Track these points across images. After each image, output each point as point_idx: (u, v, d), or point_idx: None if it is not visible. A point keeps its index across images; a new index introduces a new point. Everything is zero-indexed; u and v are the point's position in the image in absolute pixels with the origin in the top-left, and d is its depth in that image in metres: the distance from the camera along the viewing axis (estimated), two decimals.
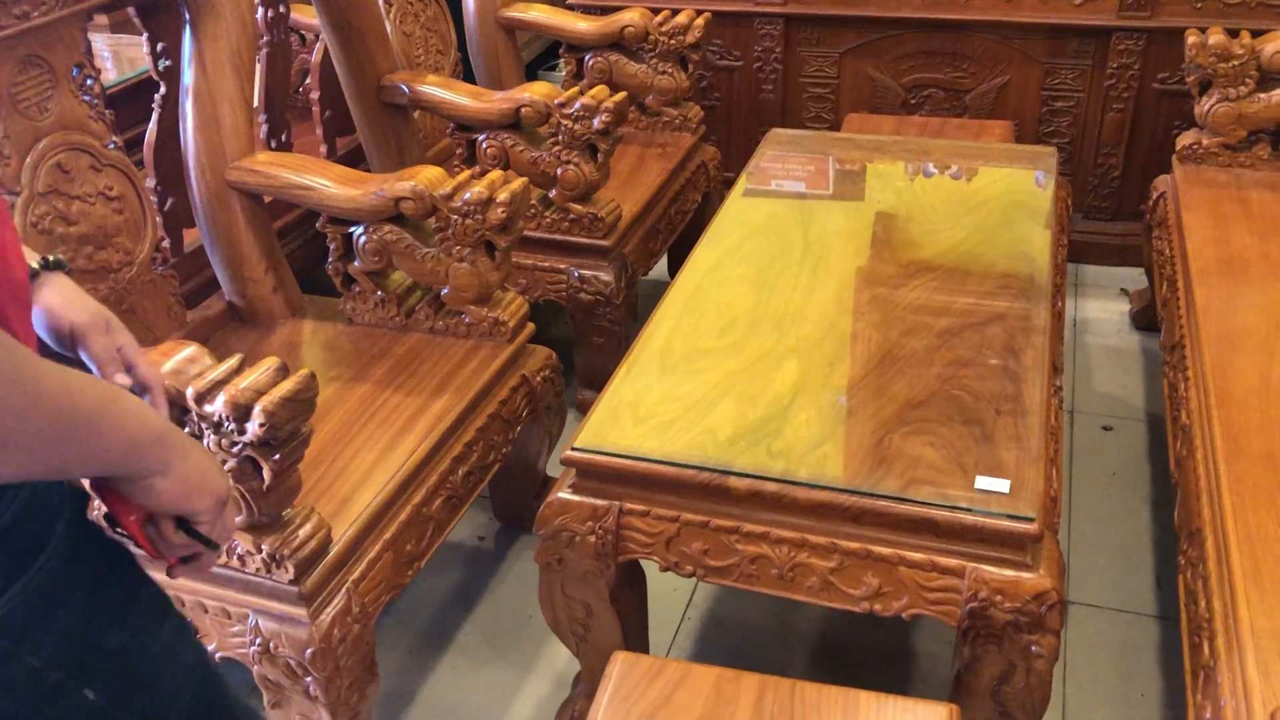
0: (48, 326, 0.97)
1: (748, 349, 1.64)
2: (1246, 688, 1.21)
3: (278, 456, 1.27)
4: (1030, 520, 1.30)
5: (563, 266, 2.25)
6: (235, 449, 1.27)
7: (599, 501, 1.46)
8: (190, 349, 1.32)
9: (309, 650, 1.38)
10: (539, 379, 1.90)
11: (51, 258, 1.00)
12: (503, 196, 1.75)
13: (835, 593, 1.39)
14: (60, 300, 0.97)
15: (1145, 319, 2.61)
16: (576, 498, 1.47)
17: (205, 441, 1.28)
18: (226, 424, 1.25)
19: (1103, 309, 2.69)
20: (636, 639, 1.63)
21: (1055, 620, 1.31)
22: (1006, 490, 1.34)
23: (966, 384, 1.53)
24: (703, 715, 1.17)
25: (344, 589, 1.43)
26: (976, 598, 1.32)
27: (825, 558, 1.38)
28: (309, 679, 1.40)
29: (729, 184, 2.21)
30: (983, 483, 1.35)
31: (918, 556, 1.35)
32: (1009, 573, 1.31)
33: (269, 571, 1.37)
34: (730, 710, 1.17)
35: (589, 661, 1.62)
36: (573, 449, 1.45)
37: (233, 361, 1.29)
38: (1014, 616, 1.31)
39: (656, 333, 1.70)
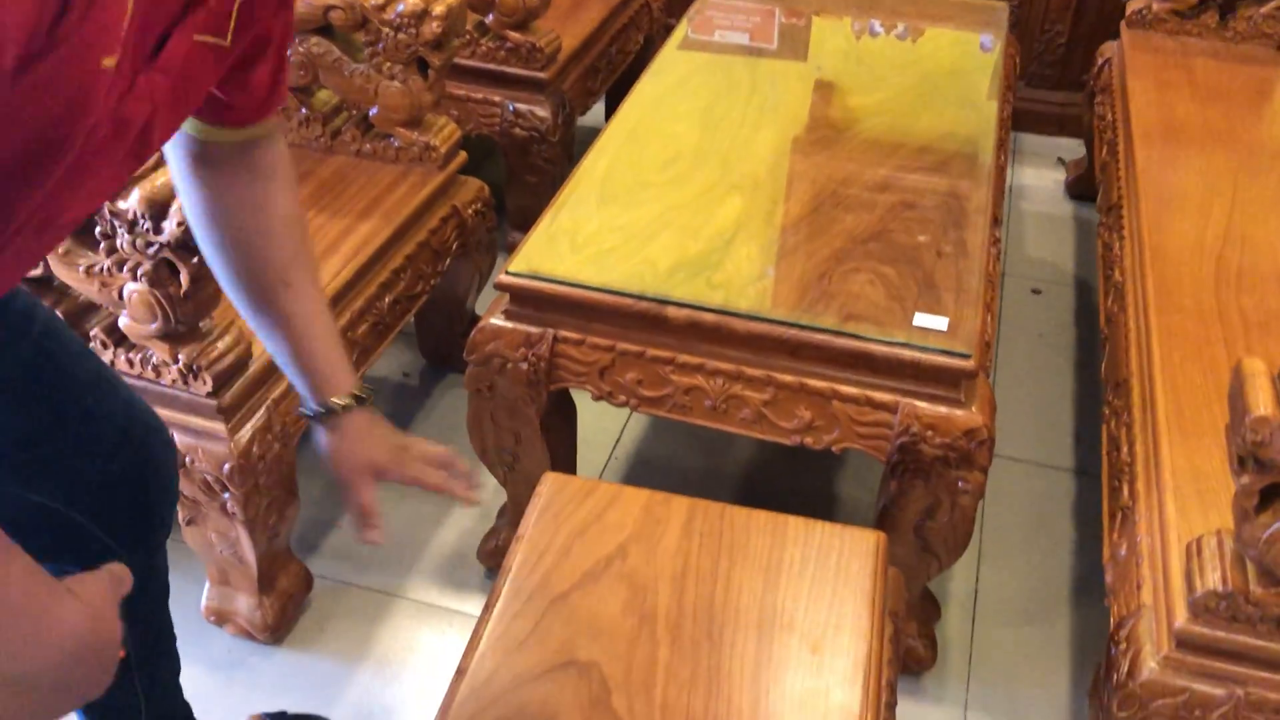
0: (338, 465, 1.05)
1: (691, 183, 1.60)
2: (1164, 524, 1.24)
3: (196, 260, 1.20)
4: (966, 357, 1.30)
5: (497, 99, 2.16)
6: (151, 250, 1.20)
7: (532, 329, 1.42)
8: None
9: (226, 465, 1.34)
10: (470, 211, 1.83)
11: (362, 393, 1.04)
12: (439, 10, 1.65)
13: (767, 425, 1.39)
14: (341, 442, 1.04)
15: (1080, 188, 2.62)
16: (509, 324, 1.43)
17: (119, 241, 1.20)
18: (141, 222, 1.18)
19: (1038, 177, 2.69)
20: (565, 470, 1.61)
21: (984, 456, 1.32)
22: (944, 328, 1.33)
23: (909, 226, 1.51)
24: (633, 534, 1.16)
25: (264, 406, 1.39)
26: (908, 432, 1.32)
27: (760, 390, 1.37)
28: (226, 495, 1.36)
29: (671, 30, 2.13)
30: (921, 320, 1.34)
31: (852, 391, 1.34)
32: (941, 409, 1.32)
33: (186, 383, 1.32)
34: (660, 530, 1.16)
35: (515, 491, 1.60)
36: (507, 273, 1.41)
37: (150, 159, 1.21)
38: (943, 452, 1.32)
39: (597, 163, 1.65)
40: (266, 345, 1.03)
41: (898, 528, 1.41)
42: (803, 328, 1.33)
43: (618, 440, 1.93)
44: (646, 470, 1.88)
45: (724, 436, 1.91)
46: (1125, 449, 1.44)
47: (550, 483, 1.23)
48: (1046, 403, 2.04)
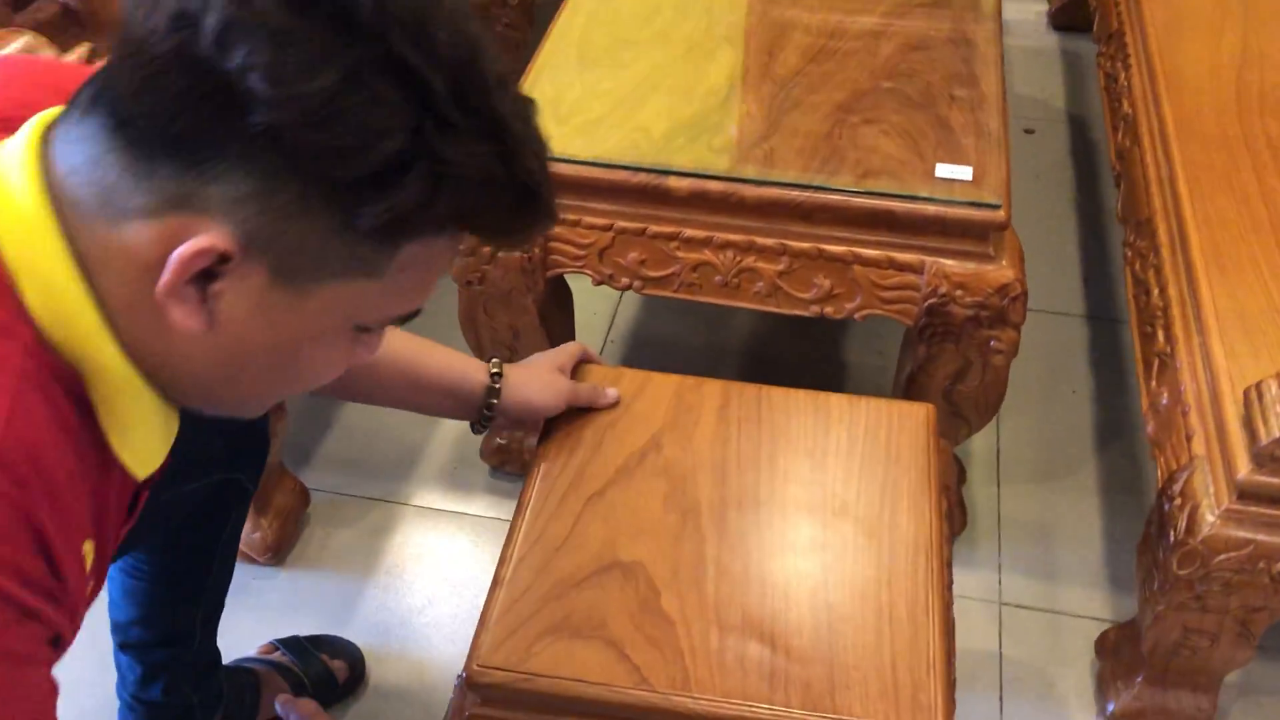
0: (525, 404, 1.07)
1: (676, 38, 1.47)
2: (1212, 370, 1.18)
3: None
4: (996, 207, 1.21)
5: None
6: None
7: None
8: (25, 37, 1.09)
9: None
10: None
11: (498, 364, 1.06)
12: None
13: (783, 297, 1.30)
14: (534, 396, 1.07)
15: (1065, 19, 2.50)
16: None
17: None
18: None
19: (1019, 10, 2.57)
20: None
21: (1018, 313, 1.25)
22: (969, 178, 1.24)
23: (916, 70, 1.40)
24: (666, 423, 1.08)
25: None
26: (936, 293, 1.24)
27: (773, 261, 1.28)
28: None
29: None
30: (943, 170, 1.25)
31: (873, 254, 1.25)
32: (971, 265, 1.24)
33: None
34: (694, 417, 1.08)
35: None
36: None
37: (81, 50, 1.07)
38: (974, 311, 1.25)
39: (571, 24, 1.51)
40: (388, 403, 1.05)
41: (925, 394, 1.35)
42: (817, 189, 1.24)
43: (611, 323, 1.84)
44: (646, 352, 1.79)
45: (720, 311, 1.82)
46: (1156, 292, 1.37)
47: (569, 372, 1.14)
48: (1051, 248, 1.97)
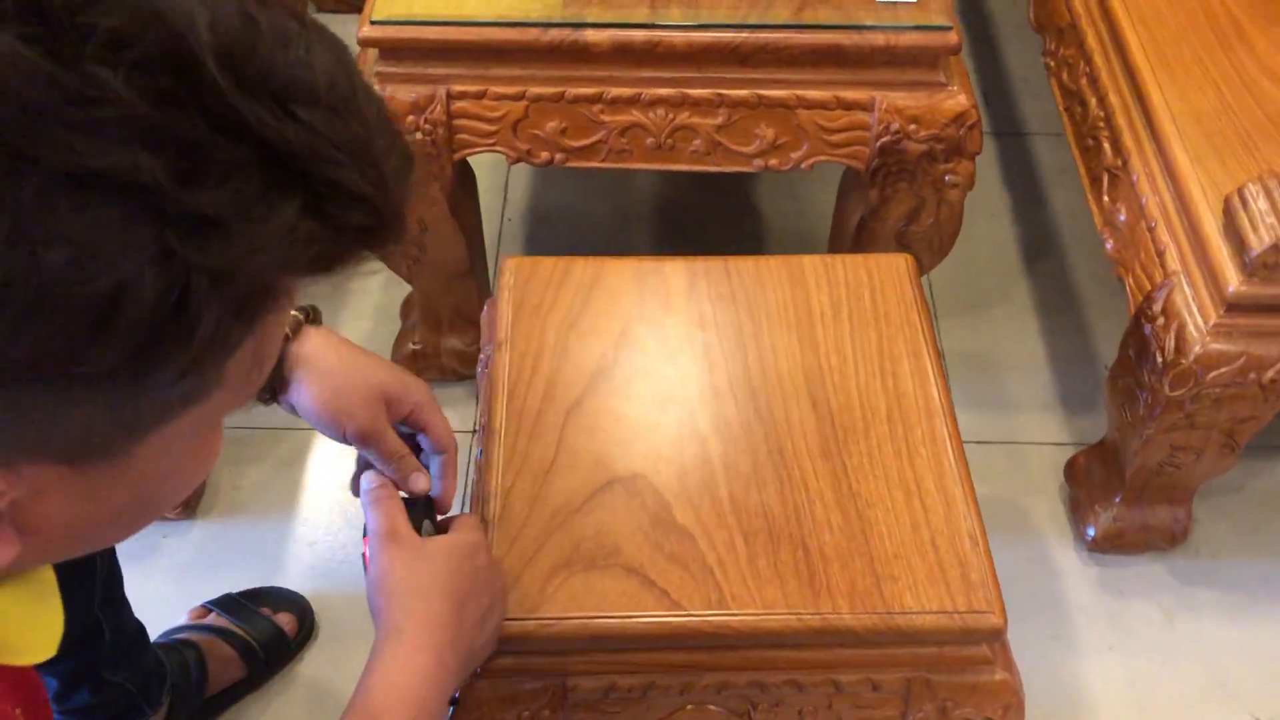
0: (319, 420, 0.76)
1: None
2: (1176, 178, 1.13)
3: None
4: (947, 29, 1.11)
5: None
6: None
7: (418, 89, 1.15)
8: None
9: None
10: None
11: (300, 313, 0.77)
12: None
13: (724, 154, 1.18)
14: (326, 393, 0.74)
15: None
16: (387, 89, 1.15)
17: None
18: None
19: None
20: (475, 251, 1.38)
21: (975, 142, 1.17)
22: None
23: None
24: (633, 314, 0.97)
25: None
26: (889, 131, 1.15)
27: (710, 114, 1.15)
28: None
29: None
30: None
31: (819, 95, 1.14)
32: (923, 97, 1.14)
33: None
34: (661, 302, 0.97)
35: (424, 285, 1.37)
36: (372, 22, 1.11)
37: None
38: (929, 146, 1.16)
39: None
40: None
41: (877, 240, 1.27)
42: (753, 28, 1.11)
43: (504, 201, 1.69)
44: (549, 229, 1.66)
45: (620, 174, 1.69)
46: (1094, 102, 1.31)
47: (513, 271, 1.01)
48: None
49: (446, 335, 1.42)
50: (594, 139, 1.17)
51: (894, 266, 1.02)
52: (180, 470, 0.48)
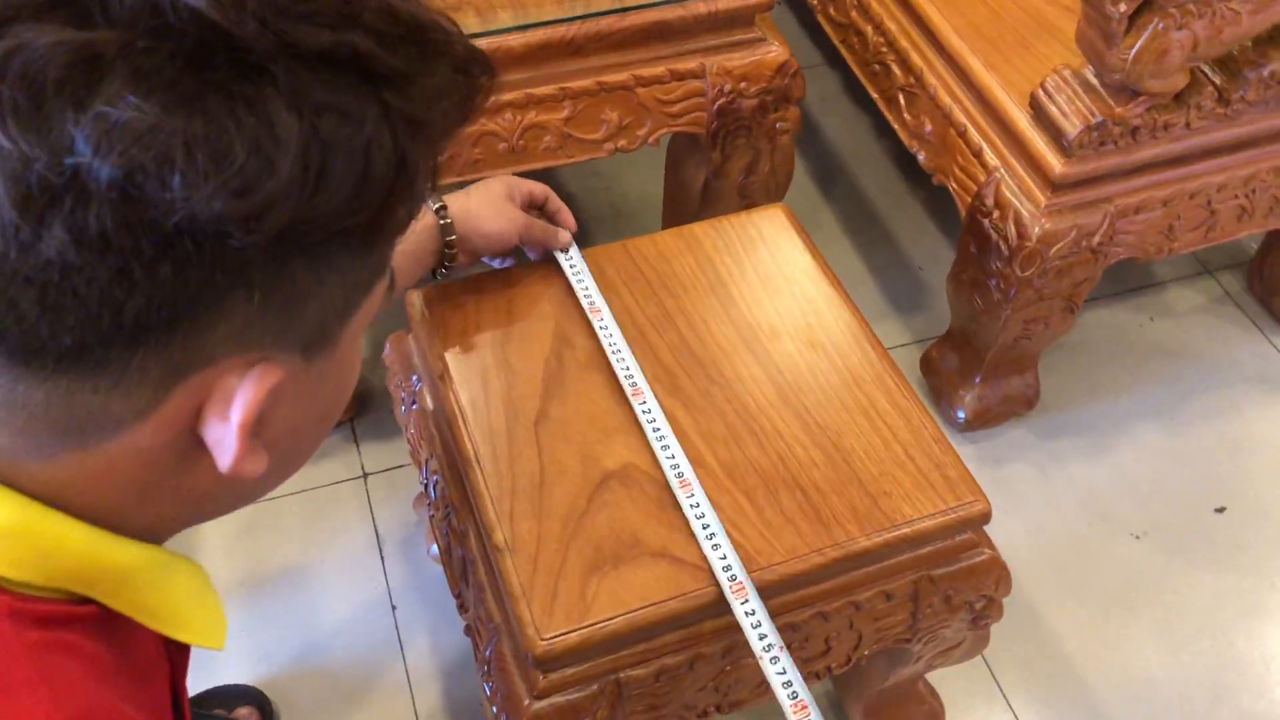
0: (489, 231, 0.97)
1: None
2: (976, 85, 1.25)
3: None
4: None
5: None
6: None
7: None
8: None
9: None
10: None
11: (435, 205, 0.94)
12: None
13: (575, 145, 1.21)
14: (490, 225, 0.97)
15: None
16: None
17: None
18: None
19: None
20: None
21: (799, 87, 1.25)
22: None
23: None
24: (557, 316, 0.98)
25: None
26: (723, 93, 1.21)
27: (556, 109, 1.17)
28: None
29: None
30: None
31: (654, 71, 1.19)
32: (748, 54, 1.21)
33: None
34: (579, 297, 0.99)
35: None
36: None
37: None
38: (760, 99, 1.23)
39: None
40: None
41: (721, 197, 1.33)
42: (582, 18, 1.14)
43: None
44: None
45: None
46: (870, 30, 1.42)
47: (422, 302, 0.99)
48: None
49: None
50: (448, 154, 1.16)
51: (774, 218, 1.09)
52: (351, 367, 0.54)
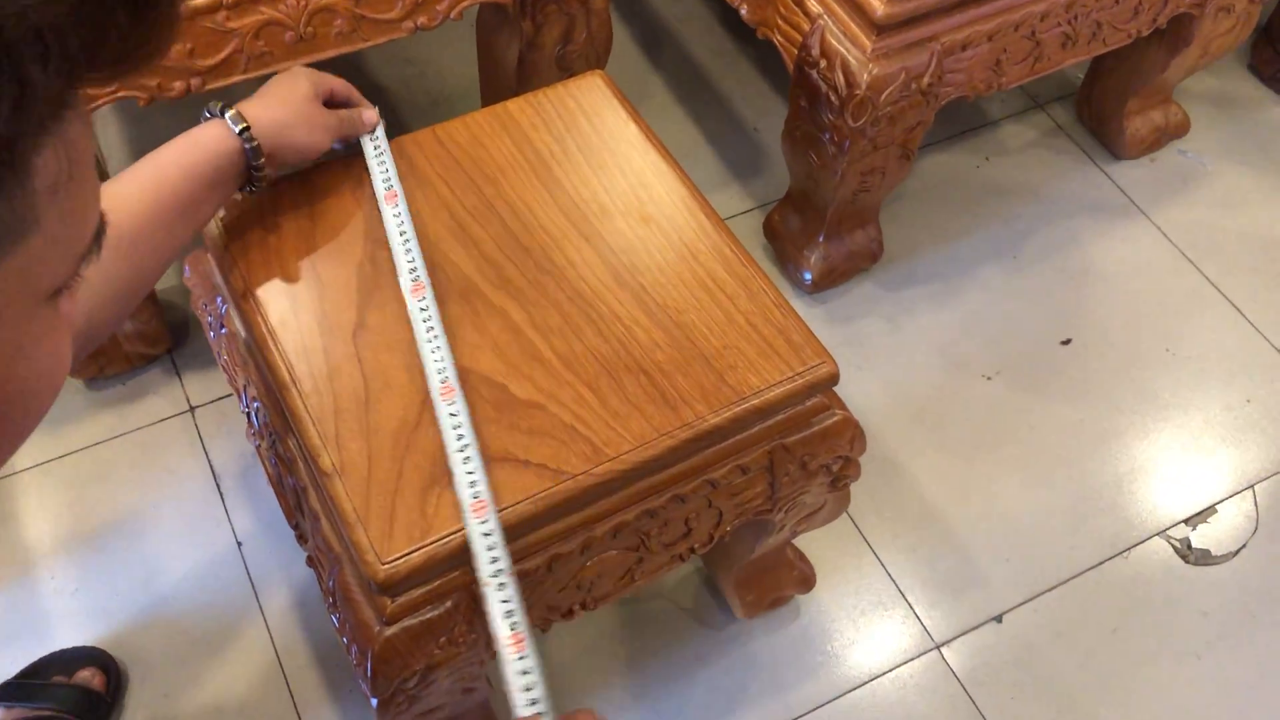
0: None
1: None
2: None
3: None
4: None
5: None
6: None
7: None
8: None
9: None
10: None
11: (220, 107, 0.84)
12: None
13: (370, 26, 1.10)
14: (304, 137, 0.88)
15: None
16: None
17: None
18: None
19: None
20: None
21: None
22: None
23: None
24: (362, 210, 0.90)
25: None
26: None
27: None
28: None
29: None
30: None
31: None
32: None
33: None
34: (360, 189, 0.91)
35: None
36: None
37: None
38: None
39: None
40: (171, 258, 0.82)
41: (539, 70, 1.25)
42: None
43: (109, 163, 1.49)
44: None
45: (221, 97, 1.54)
46: None
47: (214, 219, 0.90)
48: None
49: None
50: (228, 51, 1.05)
51: (594, 86, 1.02)
52: (25, 355, 0.41)
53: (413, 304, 0.85)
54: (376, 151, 0.93)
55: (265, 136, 0.84)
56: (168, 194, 0.79)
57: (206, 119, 0.84)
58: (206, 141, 0.82)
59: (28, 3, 0.32)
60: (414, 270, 0.86)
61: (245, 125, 0.83)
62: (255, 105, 0.86)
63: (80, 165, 0.39)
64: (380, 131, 0.94)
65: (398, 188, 0.91)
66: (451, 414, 0.79)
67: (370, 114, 0.94)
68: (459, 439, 0.78)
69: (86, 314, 0.73)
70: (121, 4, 0.35)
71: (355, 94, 0.95)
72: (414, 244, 0.88)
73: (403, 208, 0.90)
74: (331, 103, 0.93)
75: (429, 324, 0.83)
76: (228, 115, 0.83)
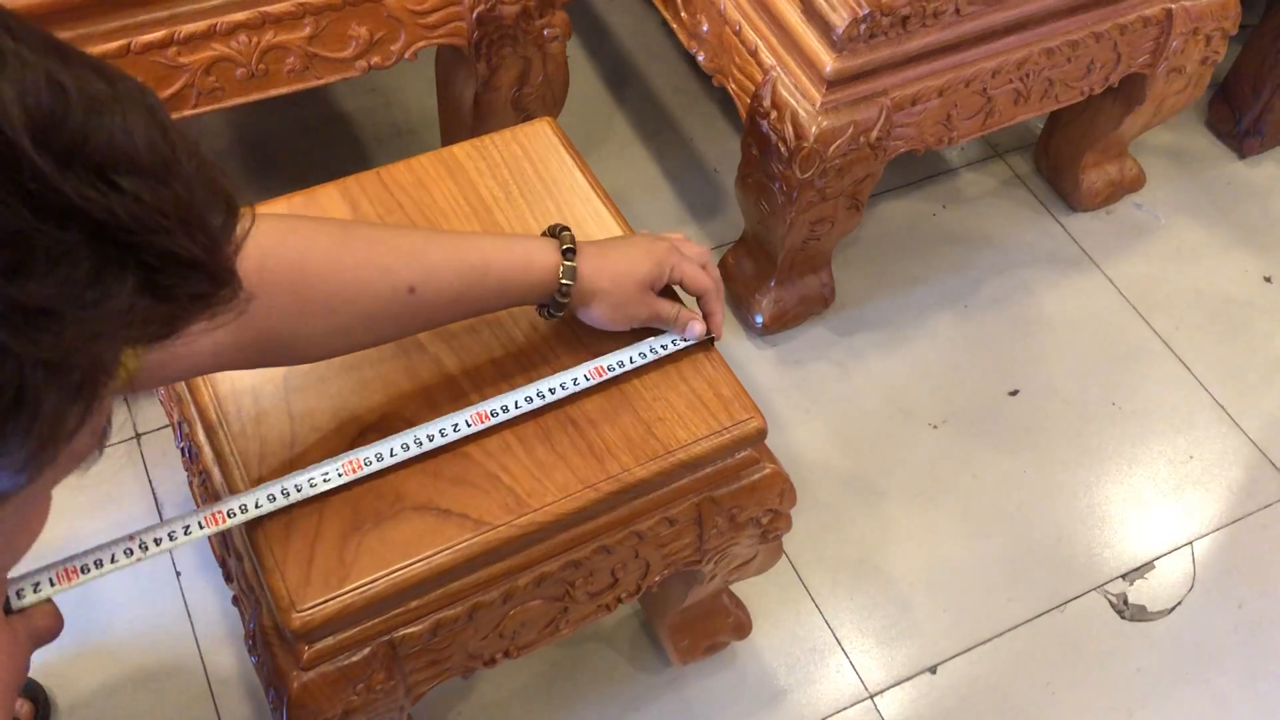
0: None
1: None
2: None
3: None
4: None
5: None
6: None
7: None
8: None
9: None
10: None
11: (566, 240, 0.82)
12: None
13: (323, 64, 1.11)
14: (609, 310, 0.84)
15: None
16: None
17: None
18: None
19: None
20: None
21: None
22: None
23: None
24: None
25: None
26: (482, 0, 1.13)
27: (296, 27, 1.08)
28: None
29: None
30: None
31: None
32: None
33: None
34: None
35: None
36: None
37: None
38: (522, 4, 1.15)
39: None
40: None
41: (495, 110, 1.26)
42: None
43: None
44: None
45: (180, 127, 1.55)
46: None
47: None
48: None
49: None
50: (178, 86, 1.06)
51: (541, 133, 1.02)
52: (8, 545, 0.47)
53: None
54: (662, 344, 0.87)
55: (579, 301, 0.82)
56: (474, 295, 0.79)
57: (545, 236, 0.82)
58: (532, 263, 0.79)
59: (98, 346, 0.36)
60: None
61: (573, 277, 0.80)
62: (596, 261, 0.82)
63: (99, 422, 0.42)
64: (683, 343, 0.88)
65: None
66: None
67: (698, 326, 0.87)
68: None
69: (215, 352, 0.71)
70: (186, 317, 0.39)
71: (712, 300, 0.88)
72: None
73: None
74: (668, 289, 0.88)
75: None
76: (563, 263, 0.80)
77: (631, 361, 0.86)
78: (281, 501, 0.77)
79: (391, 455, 0.80)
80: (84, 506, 1.23)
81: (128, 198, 0.34)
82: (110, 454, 1.27)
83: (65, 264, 0.33)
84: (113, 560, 0.75)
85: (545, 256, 0.80)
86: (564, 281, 0.81)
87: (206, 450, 0.87)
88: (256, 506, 0.77)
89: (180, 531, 0.75)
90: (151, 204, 0.35)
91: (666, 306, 0.86)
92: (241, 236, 0.42)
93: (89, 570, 0.74)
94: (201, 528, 0.75)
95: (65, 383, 0.35)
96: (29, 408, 0.34)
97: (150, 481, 1.26)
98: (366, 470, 0.80)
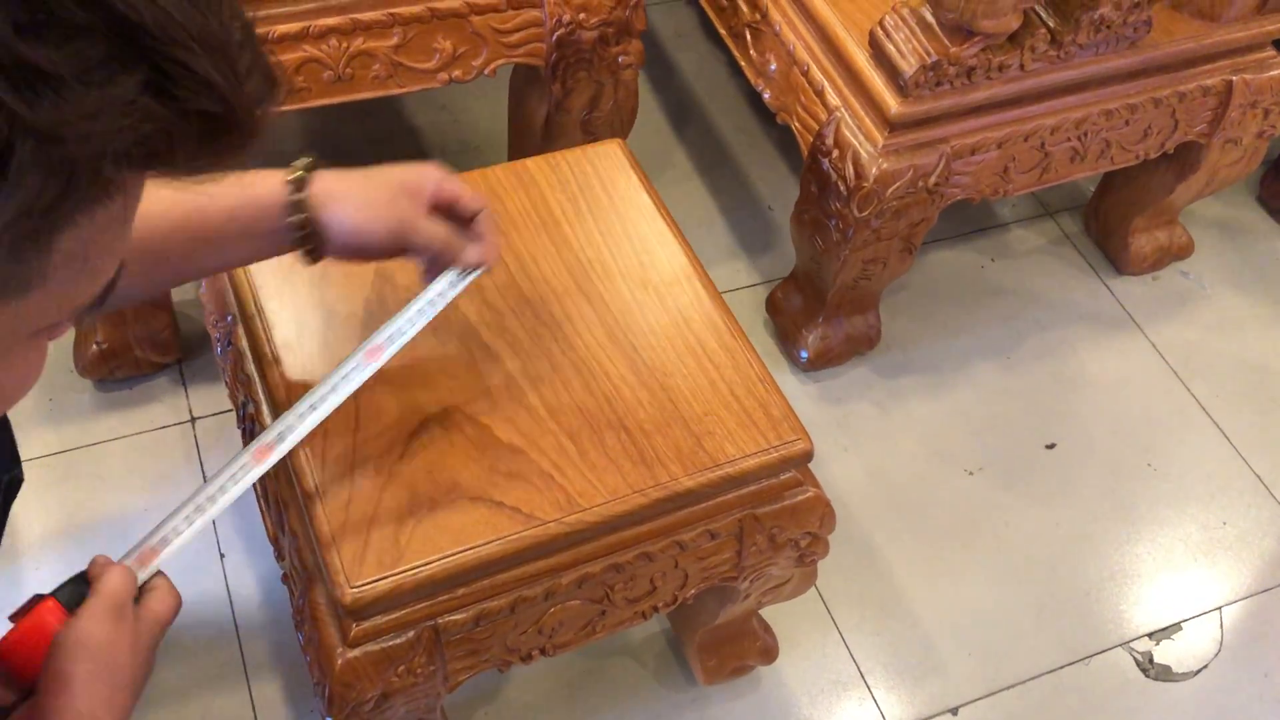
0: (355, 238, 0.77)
1: None
2: (818, 22, 1.24)
3: None
4: None
5: None
6: None
7: None
8: None
9: None
10: None
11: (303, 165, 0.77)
12: None
13: (406, 74, 1.16)
14: (350, 210, 0.76)
15: None
16: None
17: None
18: None
19: None
20: None
21: (640, 19, 1.22)
22: None
23: None
24: (378, 268, 0.95)
25: None
26: (562, 23, 1.17)
27: (385, 36, 1.12)
28: None
29: None
30: None
31: None
32: None
33: None
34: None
35: None
36: None
37: None
38: (600, 31, 1.20)
39: None
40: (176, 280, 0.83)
41: (564, 132, 1.30)
42: None
43: None
44: None
45: None
46: None
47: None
48: None
49: (133, 325, 1.30)
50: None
51: (611, 154, 1.06)
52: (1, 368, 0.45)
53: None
54: (440, 291, 0.80)
55: (317, 198, 0.75)
56: (196, 223, 0.74)
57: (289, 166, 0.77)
58: (257, 189, 0.75)
59: (94, 129, 0.36)
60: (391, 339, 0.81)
61: (302, 174, 0.76)
62: (336, 177, 0.77)
63: (100, 244, 0.43)
64: (467, 277, 0.80)
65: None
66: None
67: (473, 251, 0.79)
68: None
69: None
70: (188, 138, 0.39)
71: (487, 217, 0.81)
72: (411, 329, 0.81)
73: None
74: (449, 213, 0.80)
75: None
76: (293, 175, 0.76)
77: (411, 324, 0.80)
78: (322, 413, 0.77)
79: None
80: (137, 483, 1.27)
81: (157, 8, 0.36)
82: (163, 436, 1.31)
83: (80, 40, 0.35)
84: (176, 533, 0.77)
85: (270, 178, 0.76)
86: (289, 179, 0.75)
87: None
88: (299, 419, 0.76)
89: (230, 482, 0.77)
90: (180, 21, 0.37)
91: (428, 225, 0.77)
92: (277, 107, 0.42)
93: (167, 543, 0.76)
94: (246, 472, 0.76)
95: (54, 161, 0.35)
96: (11, 175, 0.35)
97: (202, 464, 1.29)
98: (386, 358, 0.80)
